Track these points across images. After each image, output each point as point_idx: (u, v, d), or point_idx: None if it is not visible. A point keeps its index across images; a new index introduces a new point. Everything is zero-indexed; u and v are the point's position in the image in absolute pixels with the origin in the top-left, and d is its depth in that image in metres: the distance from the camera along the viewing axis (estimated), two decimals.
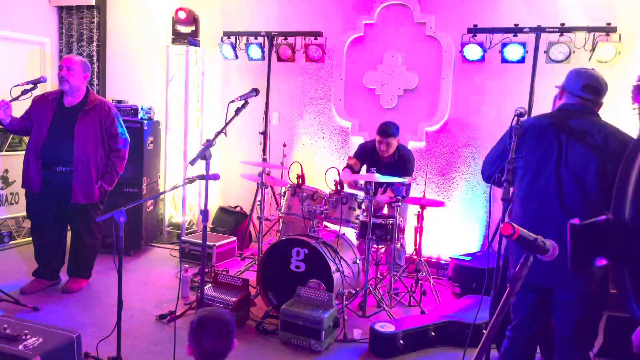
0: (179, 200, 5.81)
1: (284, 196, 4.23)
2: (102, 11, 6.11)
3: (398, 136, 4.33)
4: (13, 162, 4.95)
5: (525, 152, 2.26)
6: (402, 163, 4.40)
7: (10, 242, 5.07)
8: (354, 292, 3.90)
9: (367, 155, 4.49)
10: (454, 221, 5.07)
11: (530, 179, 2.30)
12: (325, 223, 4.18)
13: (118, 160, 3.95)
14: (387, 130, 4.25)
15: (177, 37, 5.47)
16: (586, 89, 2.33)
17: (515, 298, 2.34)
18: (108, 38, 6.22)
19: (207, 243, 4.64)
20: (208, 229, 4.50)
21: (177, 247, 5.16)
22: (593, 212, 1.99)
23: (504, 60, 4.51)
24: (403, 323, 3.44)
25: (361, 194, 4.10)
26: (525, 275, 2.22)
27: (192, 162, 2.71)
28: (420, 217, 4.23)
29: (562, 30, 4.29)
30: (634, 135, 2.22)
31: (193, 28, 5.45)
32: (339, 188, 3.97)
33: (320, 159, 5.53)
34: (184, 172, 5.56)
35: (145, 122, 5.06)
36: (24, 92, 3.65)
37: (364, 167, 4.56)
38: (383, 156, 4.37)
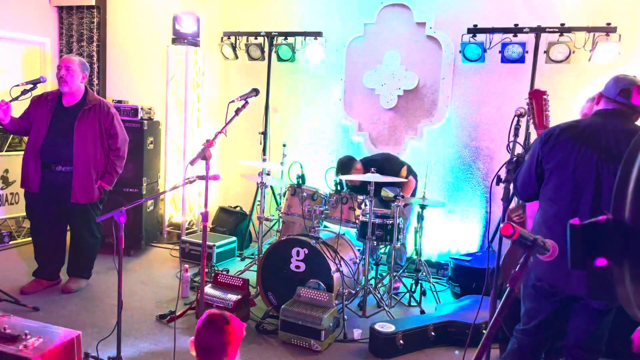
0: (179, 200, 5.81)
1: (284, 196, 4.23)
2: (102, 11, 6.11)
3: (357, 162, 4.42)
4: (13, 162, 4.95)
5: (557, 156, 2.19)
6: (378, 170, 4.14)
7: (10, 242, 5.07)
8: (354, 292, 3.90)
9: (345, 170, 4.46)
10: (454, 221, 5.07)
11: (564, 181, 2.20)
12: (325, 223, 4.18)
13: (117, 159, 3.95)
14: (342, 169, 4.33)
15: (177, 37, 5.47)
16: (623, 94, 2.21)
17: (533, 303, 2.33)
18: (108, 38, 6.22)
19: (207, 243, 4.64)
20: (208, 229, 4.49)
21: (177, 247, 5.16)
22: None
23: (504, 60, 4.50)
24: (403, 323, 3.45)
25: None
26: (553, 282, 2.18)
27: (192, 162, 2.70)
28: (420, 217, 4.23)
29: (562, 30, 4.29)
30: None
31: (194, 29, 5.45)
32: (339, 188, 3.96)
33: (320, 159, 5.53)
34: (184, 172, 5.56)
35: (145, 122, 5.06)
36: (24, 92, 3.64)
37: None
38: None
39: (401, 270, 4.50)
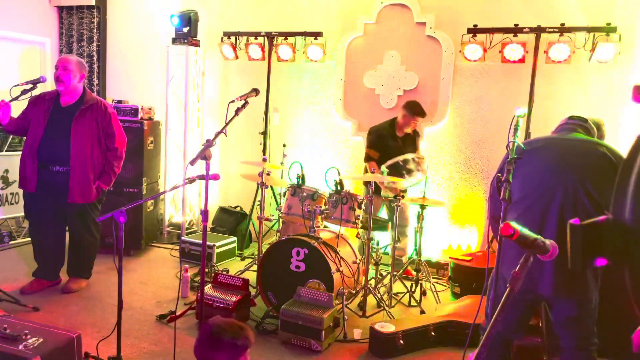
0: (179, 200, 5.81)
1: (284, 196, 4.23)
2: (102, 11, 6.11)
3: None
4: (13, 162, 4.94)
5: (521, 165, 2.31)
6: (414, 138, 4.73)
7: (10, 242, 5.07)
8: (354, 292, 3.90)
9: (384, 135, 4.67)
10: (454, 221, 5.07)
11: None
12: (325, 223, 4.18)
13: (115, 159, 3.93)
14: (423, 111, 4.58)
15: (177, 37, 5.47)
16: (571, 117, 2.59)
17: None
18: (108, 38, 6.22)
19: (207, 243, 4.64)
20: (208, 229, 4.50)
21: (177, 247, 5.16)
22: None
23: (504, 60, 4.51)
24: (403, 323, 3.45)
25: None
26: (524, 285, 2.25)
27: (192, 162, 2.71)
28: (420, 217, 4.23)
29: (562, 30, 4.29)
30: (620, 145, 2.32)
31: (194, 29, 5.46)
32: (339, 188, 3.97)
33: (320, 159, 5.53)
34: (184, 172, 5.56)
35: (145, 122, 5.06)
36: (24, 92, 3.64)
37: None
38: (403, 131, 4.64)
39: (401, 270, 4.50)
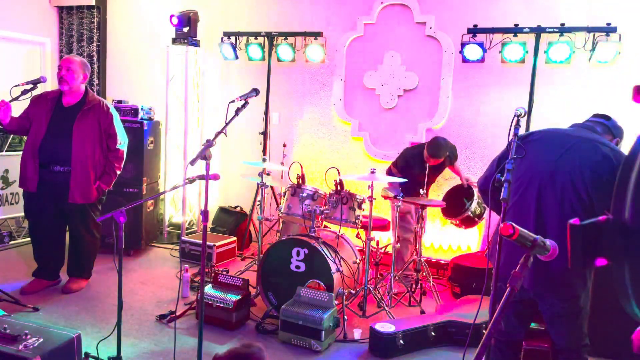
0: (179, 200, 5.81)
1: (284, 196, 4.23)
2: (102, 11, 6.11)
3: (446, 155, 4.38)
4: (13, 162, 4.94)
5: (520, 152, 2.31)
6: (443, 164, 4.50)
7: (10, 242, 5.07)
8: (354, 292, 3.90)
9: (412, 163, 4.45)
10: None
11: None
12: (325, 223, 4.18)
13: (116, 160, 3.94)
14: (438, 154, 4.28)
15: (177, 37, 5.48)
16: (595, 114, 2.50)
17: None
18: (108, 38, 6.23)
19: (207, 243, 4.64)
20: (208, 229, 4.49)
21: (177, 247, 5.16)
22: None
23: (504, 60, 4.51)
24: (403, 323, 3.45)
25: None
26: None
27: (192, 162, 2.70)
28: (420, 218, 4.23)
29: (562, 30, 4.29)
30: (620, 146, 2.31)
31: (194, 29, 5.46)
32: (339, 188, 3.97)
33: (321, 159, 5.53)
34: (184, 172, 5.56)
35: (145, 122, 5.06)
36: (24, 92, 3.64)
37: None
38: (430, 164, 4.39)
39: (401, 271, 4.49)
